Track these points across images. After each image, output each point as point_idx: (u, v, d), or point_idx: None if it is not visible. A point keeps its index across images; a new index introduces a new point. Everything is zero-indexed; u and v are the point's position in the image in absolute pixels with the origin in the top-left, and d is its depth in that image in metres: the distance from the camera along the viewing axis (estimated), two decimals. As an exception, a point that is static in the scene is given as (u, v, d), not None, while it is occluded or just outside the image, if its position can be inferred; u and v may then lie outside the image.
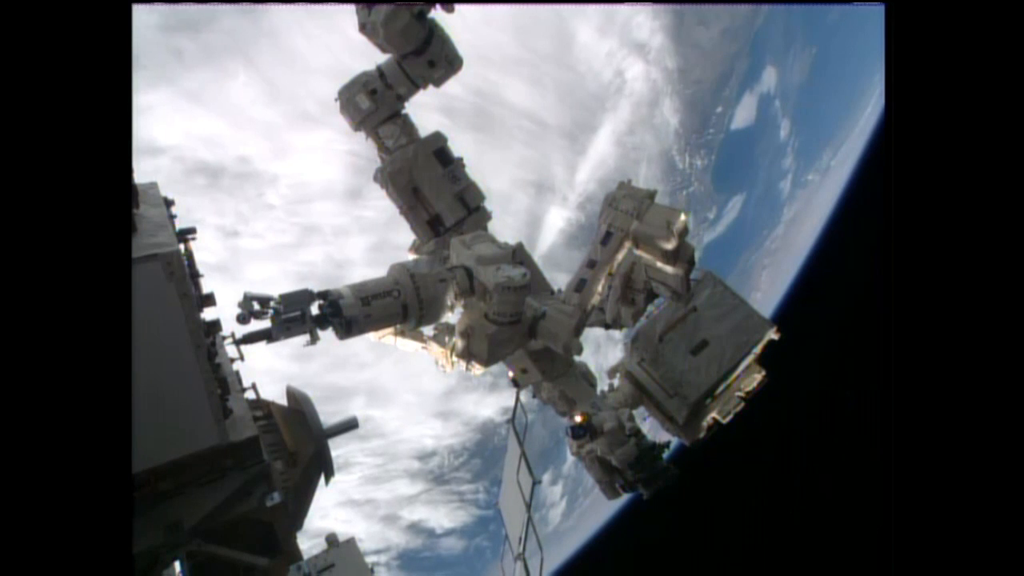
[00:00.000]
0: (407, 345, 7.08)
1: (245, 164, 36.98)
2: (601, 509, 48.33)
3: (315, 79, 36.95)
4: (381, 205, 40.81)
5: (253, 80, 35.18)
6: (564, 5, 45.56)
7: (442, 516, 52.11)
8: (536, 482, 6.32)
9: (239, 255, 37.36)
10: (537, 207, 47.50)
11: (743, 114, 51.88)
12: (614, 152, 48.75)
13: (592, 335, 6.06)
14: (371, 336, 6.58)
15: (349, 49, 34.89)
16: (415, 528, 51.18)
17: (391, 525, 49.46)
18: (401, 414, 46.28)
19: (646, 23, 46.35)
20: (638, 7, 44.22)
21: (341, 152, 39.49)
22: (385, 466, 48.13)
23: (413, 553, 51.46)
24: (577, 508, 54.33)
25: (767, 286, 51.38)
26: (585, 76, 47.14)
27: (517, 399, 7.00)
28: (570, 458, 51.64)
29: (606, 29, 46.00)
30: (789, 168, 53.46)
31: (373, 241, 41.93)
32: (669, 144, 50.63)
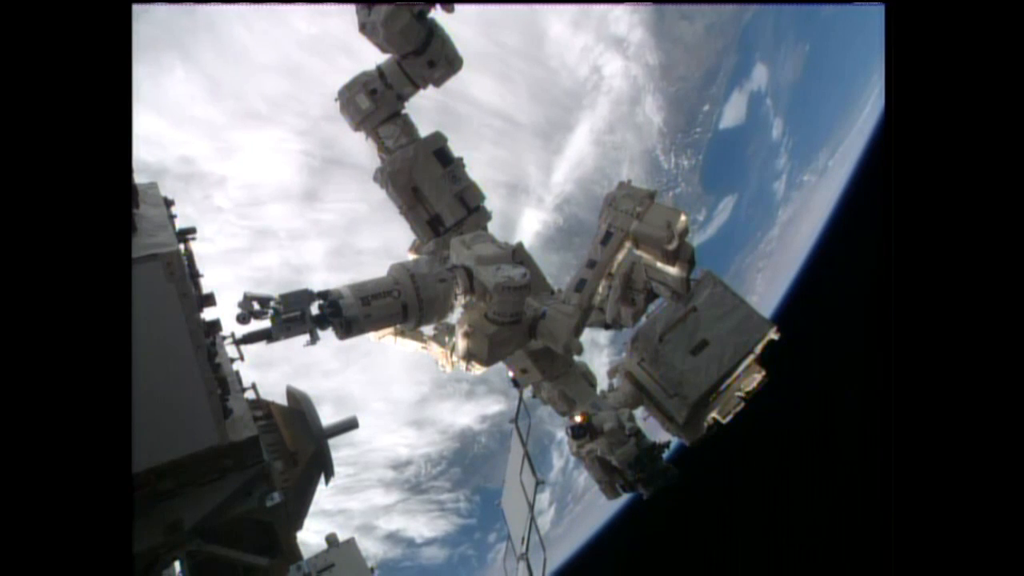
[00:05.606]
0: (407, 345, 7.08)
1: (188, 165, 34.55)
2: (594, 514, 47.82)
3: (262, 75, 34.96)
4: (339, 208, 38.75)
5: (192, 76, 32.40)
6: (561, 5, 44.63)
7: (421, 525, 50.53)
8: (539, 482, 6.32)
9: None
10: (511, 209, 45.21)
11: (732, 112, 50.04)
12: (593, 151, 46.56)
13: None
14: (371, 336, 6.58)
15: (298, 44, 33.03)
16: (393, 538, 49.59)
17: (367, 535, 47.47)
18: (372, 422, 43.99)
19: (624, 17, 43.37)
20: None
21: (294, 152, 37.60)
22: (357, 476, 46.21)
23: (393, 563, 49.87)
24: (567, 515, 53.58)
25: (763, 288, 50.25)
26: (559, 72, 44.78)
27: (520, 399, 7.00)
28: (557, 466, 49.21)
29: (581, 23, 43.52)
30: (783, 168, 51.88)
31: (333, 245, 40.29)
32: (653, 143, 48.61)
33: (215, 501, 4.41)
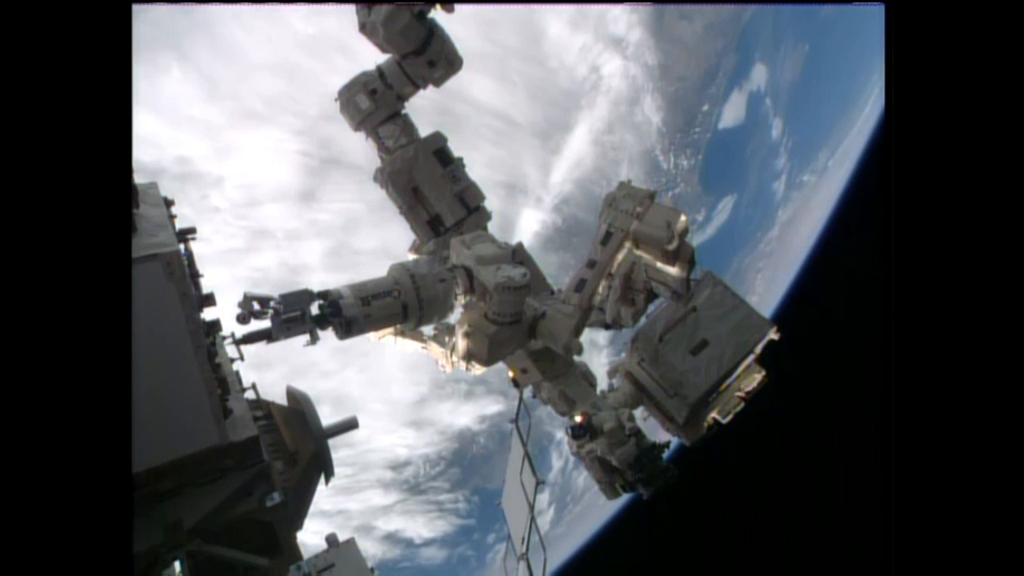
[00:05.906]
0: (407, 345, 7.08)
1: (185, 165, 34.26)
2: (594, 514, 47.70)
3: (258, 75, 34.63)
4: (337, 208, 38.58)
5: (188, 75, 32.19)
6: (559, 5, 44.37)
7: (420, 526, 50.39)
8: (539, 482, 6.32)
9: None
10: (509, 209, 44.90)
11: (731, 112, 49.68)
12: (592, 152, 46.20)
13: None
14: (370, 336, 6.58)
15: (295, 43, 32.69)
16: (392, 538, 49.46)
17: (366, 536, 47.29)
18: (370, 423, 43.70)
19: (623, 17, 42.87)
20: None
21: (291, 152, 37.42)
22: (356, 476, 46.09)
23: (391, 564, 49.74)
24: (567, 515, 53.50)
25: (763, 288, 49.98)
26: (557, 72, 44.42)
27: (520, 399, 7.00)
28: (557, 466, 49.08)
29: (579, 23, 43.19)
30: (783, 168, 51.47)
31: (330, 245, 40.08)
32: (652, 143, 48.27)
33: (215, 501, 4.41)
